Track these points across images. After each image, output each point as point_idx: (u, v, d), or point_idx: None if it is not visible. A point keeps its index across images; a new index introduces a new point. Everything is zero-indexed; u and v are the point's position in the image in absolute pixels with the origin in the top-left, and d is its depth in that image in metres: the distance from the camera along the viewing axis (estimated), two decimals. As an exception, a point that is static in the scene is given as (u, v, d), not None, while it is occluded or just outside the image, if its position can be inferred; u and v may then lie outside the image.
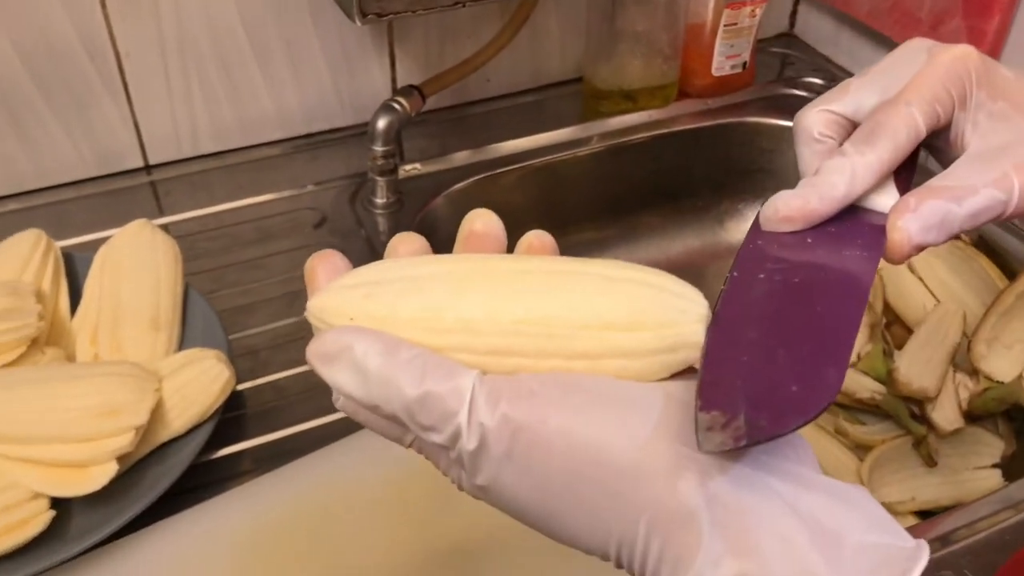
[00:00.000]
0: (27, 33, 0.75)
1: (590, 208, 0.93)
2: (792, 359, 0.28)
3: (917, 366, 0.67)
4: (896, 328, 0.75)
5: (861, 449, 0.68)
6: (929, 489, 0.66)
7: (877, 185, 0.35)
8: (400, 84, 0.88)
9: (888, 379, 0.67)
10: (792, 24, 1.07)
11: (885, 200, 0.35)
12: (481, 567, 0.53)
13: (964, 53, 0.36)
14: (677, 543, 0.26)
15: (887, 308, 0.75)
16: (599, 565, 0.53)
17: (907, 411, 0.67)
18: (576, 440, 0.27)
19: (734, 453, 0.27)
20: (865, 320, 0.70)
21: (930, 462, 0.66)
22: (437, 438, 0.28)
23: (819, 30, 1.04)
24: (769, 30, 1.05)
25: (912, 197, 0.34)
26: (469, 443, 0.28)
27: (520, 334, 0.28)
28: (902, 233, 0.33)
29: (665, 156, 0.93)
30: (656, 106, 0.94)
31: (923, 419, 0.66)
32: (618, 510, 0.27)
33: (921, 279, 0.76)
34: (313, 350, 0.29)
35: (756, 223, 0.36)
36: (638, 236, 0.96)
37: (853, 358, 0.69)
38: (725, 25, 0.91)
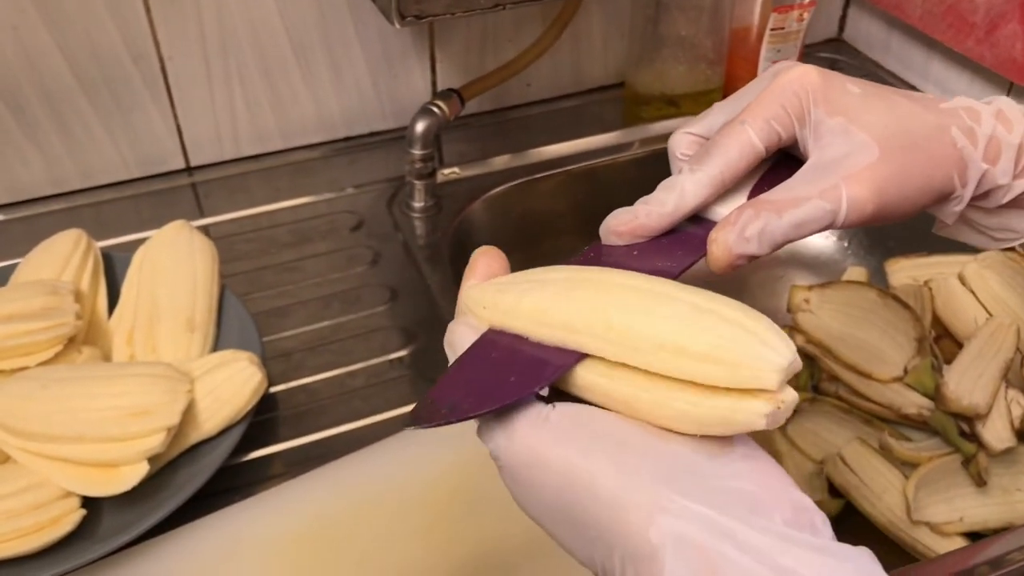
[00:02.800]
0: (73, 36, 0.76)
1: (630, 214, 0.92)
2: (535, 355, 0.31)
3: (967, 382, 0.64)
4: (945, 342, 0.72)
5: (907, 466, 0.66)
6: (978, 510, 0.63)
7: (716, 199, 0.37)
8: (440, 88, 0.88)
9: (936, 394, 0.65)
10: (841, 28, 1.04)
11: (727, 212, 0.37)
12: (509, 574, 0.52)
13: (802, 72, 0.38)
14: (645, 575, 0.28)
15: (936, 321, 0.73)
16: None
17: (956, 428, 0.64)
18: (573, 471, 0.30)
19: (719, 505, 0.28)
20: (912, 334, 0.68)
21: (979, 481, 0.63)
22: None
23: (869, 35, 1.01)
24: (818, 35, 1.03)
25: (736, 211, 0.36)
26: (490, 449, 0.32)
27: (607, 340, 0.31)
28: (719, 245, 0.35)
29: (708, 162, 0.91)
30: (700, 111, 0.92)
31: (973, 437, 0.64)
32: (600, 537, 0.29)
33: (972, 292, 0.73)
34: (447, 332, 0.35)
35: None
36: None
37: (900, 372, 0.67)
38: (772, 29, 0.89)
